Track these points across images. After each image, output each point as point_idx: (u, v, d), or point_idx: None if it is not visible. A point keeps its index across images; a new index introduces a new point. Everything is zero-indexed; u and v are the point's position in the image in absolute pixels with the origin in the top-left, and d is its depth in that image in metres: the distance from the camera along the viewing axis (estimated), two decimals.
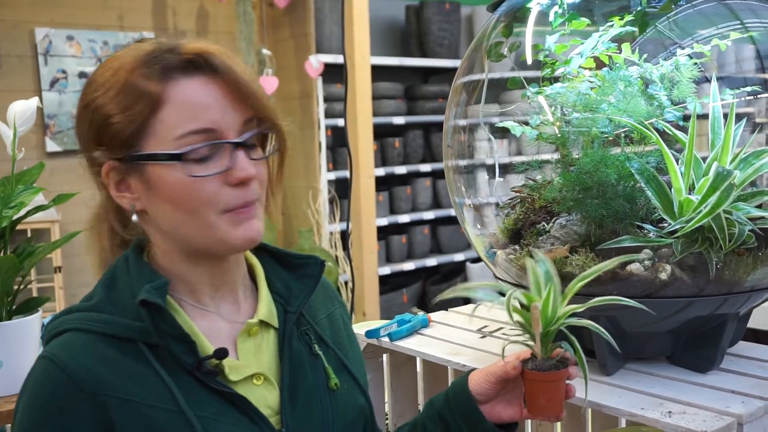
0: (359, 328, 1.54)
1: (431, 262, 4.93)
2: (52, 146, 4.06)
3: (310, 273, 1.11)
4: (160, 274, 0.98)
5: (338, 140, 4.68)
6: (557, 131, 1.25)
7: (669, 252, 1.15)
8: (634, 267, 1.13)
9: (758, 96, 1.31)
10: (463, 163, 1.49)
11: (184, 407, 0.91)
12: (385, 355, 1.60)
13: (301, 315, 1.10)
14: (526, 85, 1.37)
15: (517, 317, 1.02)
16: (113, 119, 0.93)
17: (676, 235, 1.12)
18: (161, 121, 0.92)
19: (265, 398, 1.00)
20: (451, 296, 1.02)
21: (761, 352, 1.32)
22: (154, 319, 0.92)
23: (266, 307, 1.06)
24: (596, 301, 1.02)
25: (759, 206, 1.20)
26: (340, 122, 4.46)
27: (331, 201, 4.62)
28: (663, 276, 1.12)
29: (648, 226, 1.19)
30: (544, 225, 1.29)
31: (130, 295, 0.94)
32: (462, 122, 1.46)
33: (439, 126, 4.84)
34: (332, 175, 4.62)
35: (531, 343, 1.02)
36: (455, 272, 5.08)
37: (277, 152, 1.05)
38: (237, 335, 1.02)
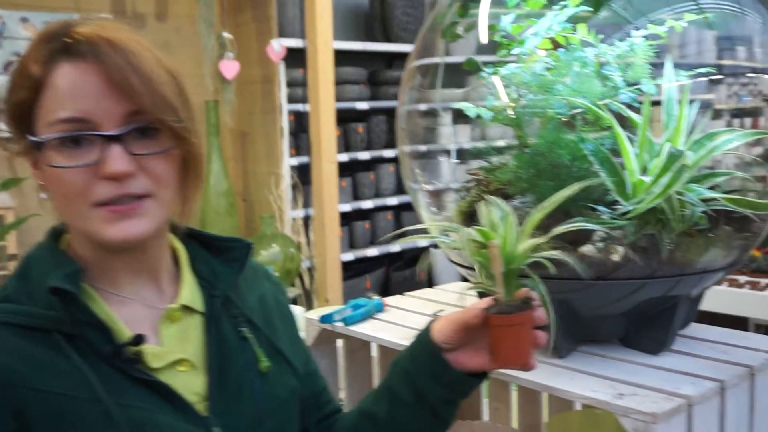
0: (315, 314, 1.52)
1: (395, 248, 4.92)
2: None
3: (236, 256, 1.09)
4: (74, 261, 0.94)
5: (301, 126, 4.63)
6: (512, 112, 1.23)
7: (622, 234, 1.14)
8: (587, 249, 1.12)
9: (712, 77, 1.31)
10: (416, 147, 1.47)
11: (102, 395, 0.88)
12: (339, 341, 1.58)
13: (229, 299, 1.08)
14: (482, 66, 1.35)
15: (475, 258, 1.00)
16: (8, 102, 0.92)
17: (628, 217, 1.11)
18: (41, 106, 0.90)
19: (191, 385, 0.98)
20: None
21: (712, 334, 1.32)
22: (67, 308, 0.89)
23: (189, 292, 1.03)
24: (560, 230, 1.00)
25: (712, 188, 1.20)
26: (303, 107, 4.42)
27: (293, 187, 4.58)
28: (615, 257, 1.11)
29: (601, 208, 1.18)
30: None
31: (43, 284, 0.91)
32: (416, 106, 1.44)
33: None
34: (295, 161, 4.58)
35: (493, 288, 0.99)
36: (418, 258, 5.07)
37: (177, 151, 0.97)
38: (159, 322, 1.00)
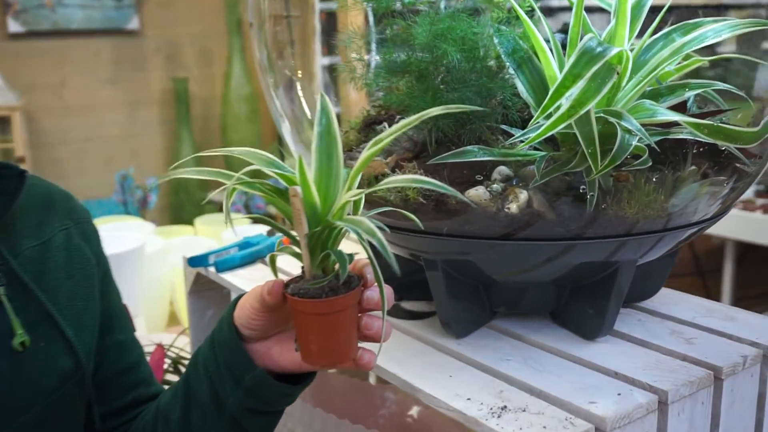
0: (188, 252, 1.21)
1: None
2: (14, 27, 3.74)
3: (3, 188, 0.81)
4: None
5: (333, 25, 4.25)
6: None
7: (531, 173, 0.78)
8: (474, 192, 0.77)
9: None
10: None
11: None
12: None
13: None
14: None
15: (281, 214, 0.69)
16: None
17: (518, 149, 0.74)
18: None
19: None
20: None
21: (684, 309, 0.95)
22: None
23: None
24: (389, 182, 0.68)
25: (681, 108, 0.82)
26: (335, 6, 4.02)
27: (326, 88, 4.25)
28: (512, 207, 0.75)
29: (519, 132, 0.81)
30: (385, 125, 0.92)
31: None
32: None
33: None
34: (326, 60, 4.22)
35: (298, 250, 0.67)
36: None
37: None
38: None
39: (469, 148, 0.78)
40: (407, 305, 0.99)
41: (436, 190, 0.69)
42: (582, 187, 0.74)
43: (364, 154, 0.69)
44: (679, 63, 0.93)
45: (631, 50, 0.78)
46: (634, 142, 0.70)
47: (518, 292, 0.92)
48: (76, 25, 3.83)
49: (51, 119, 3.88)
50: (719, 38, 0.78)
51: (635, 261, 0.82)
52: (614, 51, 0.66)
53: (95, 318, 0.86)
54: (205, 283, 1.22)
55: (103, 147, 3.98)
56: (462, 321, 0.88)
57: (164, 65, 4.07)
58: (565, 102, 0.67)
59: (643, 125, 0.76)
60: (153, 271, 1.86)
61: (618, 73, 0.69)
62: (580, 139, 0.69)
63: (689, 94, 0.80)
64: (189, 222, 3.11)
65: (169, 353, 1.44)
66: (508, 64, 0.82)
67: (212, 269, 1.15)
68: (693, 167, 0.78)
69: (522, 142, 0.72)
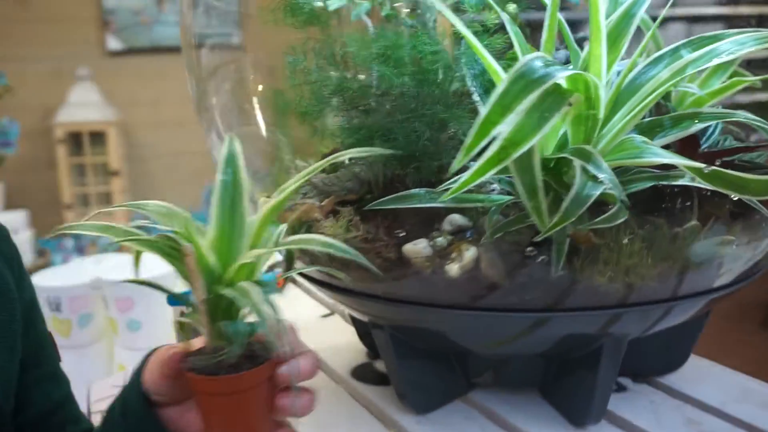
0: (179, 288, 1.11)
1: None
2: (114, 44, 3.83)
3: None
4: None
5: None
6: None
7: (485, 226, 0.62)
8: (412, 248, 0.62)
9: None
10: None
11: None
12: None
13: None
14: None
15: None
16: None
17: (441, 199, 0.59)
18: None
19: None
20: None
21: (713, 388, 0.76)
22: None
23: None
24: (291, 242, 0.57)
25: (694, 142, 0.64)
26: None
27: None
28: (452, 269, 0.60)
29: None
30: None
31: None
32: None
33: None
34: None
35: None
36: None
37: None
38: None
39: (414, 191, 0.64)
40: (381, 366, 0.85)
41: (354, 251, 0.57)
42: (530, 248, 0.58)
43: (265, 207, 0.58)
44: (723, 83, 0.76)
45: (619, 72, 0.62)
46: (597, 192, 0.54)
47: (498, 362, 0.76)
48: (172, 42, 3.89)
49: (146, 134, 3.95)
50: (738, 53, 0.61)
51: (624, 337, 0.65)
52: (561, 74, 0.50)
53: (15, 351, 0.77)
54: None
55: (193, 161, 4.02)
56: (422, 391, 0.74)
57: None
58: (496, 138, 0.52)
59: (629, 168, 0.60)
60: None
61: (570, 104, 0.53)
62: (518, 189, 0.54)
63: (698, 127, 0.63)
64: None
65: None
66: (472, 89, 0.67)
67: None
68: (695, 222, 0.60)
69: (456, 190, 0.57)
